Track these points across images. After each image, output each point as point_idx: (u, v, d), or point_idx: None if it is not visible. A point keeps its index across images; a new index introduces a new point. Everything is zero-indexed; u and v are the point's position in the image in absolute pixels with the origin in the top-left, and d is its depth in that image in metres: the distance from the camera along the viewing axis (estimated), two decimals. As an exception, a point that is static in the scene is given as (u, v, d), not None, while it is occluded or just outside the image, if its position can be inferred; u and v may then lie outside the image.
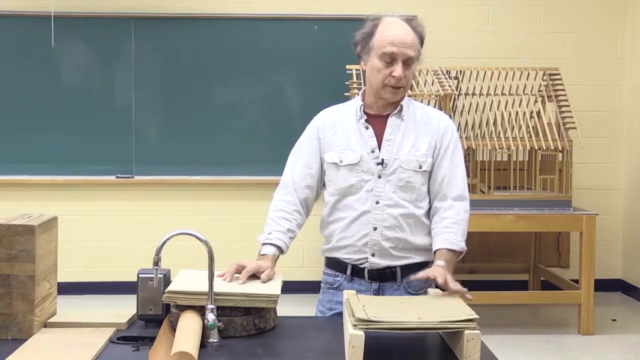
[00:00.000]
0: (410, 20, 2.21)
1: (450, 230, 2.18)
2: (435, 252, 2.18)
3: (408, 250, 2.22)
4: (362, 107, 2.26)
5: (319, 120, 2.33)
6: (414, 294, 2.21)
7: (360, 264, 2.24)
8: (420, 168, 2.21)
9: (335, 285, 2.29)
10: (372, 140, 2.22)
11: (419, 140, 2.22)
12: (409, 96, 2.33)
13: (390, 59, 2.15)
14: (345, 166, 2.23)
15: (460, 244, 2.18)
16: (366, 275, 2.23)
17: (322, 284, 2.35)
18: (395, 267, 2.22)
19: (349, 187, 2.22)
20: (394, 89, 2.18)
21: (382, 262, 2.21)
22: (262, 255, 2.19)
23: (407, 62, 2.16)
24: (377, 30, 2.18)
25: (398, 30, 2.16)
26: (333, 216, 2.27)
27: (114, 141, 5.69)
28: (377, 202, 2.20)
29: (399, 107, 2.24)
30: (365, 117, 2.25)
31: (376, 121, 2.24)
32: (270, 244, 2.21)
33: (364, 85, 2.31)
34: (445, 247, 2.16)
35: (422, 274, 2.07)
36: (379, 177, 2.20)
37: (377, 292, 2.22)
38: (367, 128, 2.23)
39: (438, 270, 2.06)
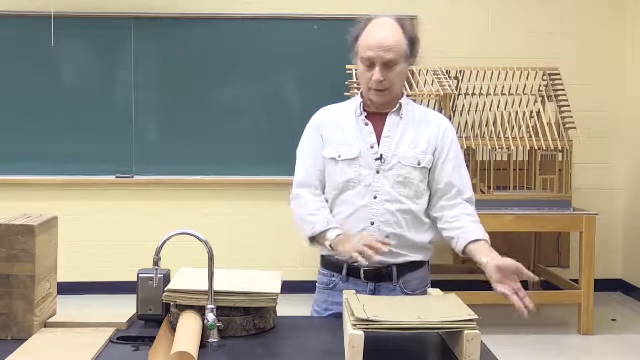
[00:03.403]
0: (401, 20, 2.20)
1: (481, 227, 2.23)
2: (475, 241, 2.17)
3: (405, 247, 2.22)
4: (362, 104, 2.27)
5: (317, 119, 2.33)
6: (410, 294, 2.21)
7: (356, 263, 2.23)
8: (419, 165, 2.21)
9: (331, 286, 2.29)
10: (372, 137, 2.22)
11: (417, 137, 2.23)
12: (408, 96, 2.33)
13: (369, 63, 2.15)
14: (344, 161, 2.23)
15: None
16: (362, 275, 2.23)
17: (317, 284, 2.35)
18: (391, 265, 2.22)
19: (347, 182, 2.22)
20: (378, 91, 2.18)
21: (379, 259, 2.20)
22: (338, 236, 2.15)
23: (388, 65, 2.14)
24: (362, 34, 2.18)
25: (379, 34, 2.14)
26: (332, 212, 2.26)
27: (114, 141, 5.70)
28: (375, 197, 2.20)
29: (398, 106, 2.24)
30: (365, 114, 2.25)
31: (375, 119, 2.25)
32: (334, 228, 2.18)
33: None
34: (484, 239, 2.19)
35: (502, 283, 2.02)
36: (377, 172, 2.21)
37: (373, 293, 2.22)
38: (366, 124, 2.24)
39: (507, 260, 2.05)
